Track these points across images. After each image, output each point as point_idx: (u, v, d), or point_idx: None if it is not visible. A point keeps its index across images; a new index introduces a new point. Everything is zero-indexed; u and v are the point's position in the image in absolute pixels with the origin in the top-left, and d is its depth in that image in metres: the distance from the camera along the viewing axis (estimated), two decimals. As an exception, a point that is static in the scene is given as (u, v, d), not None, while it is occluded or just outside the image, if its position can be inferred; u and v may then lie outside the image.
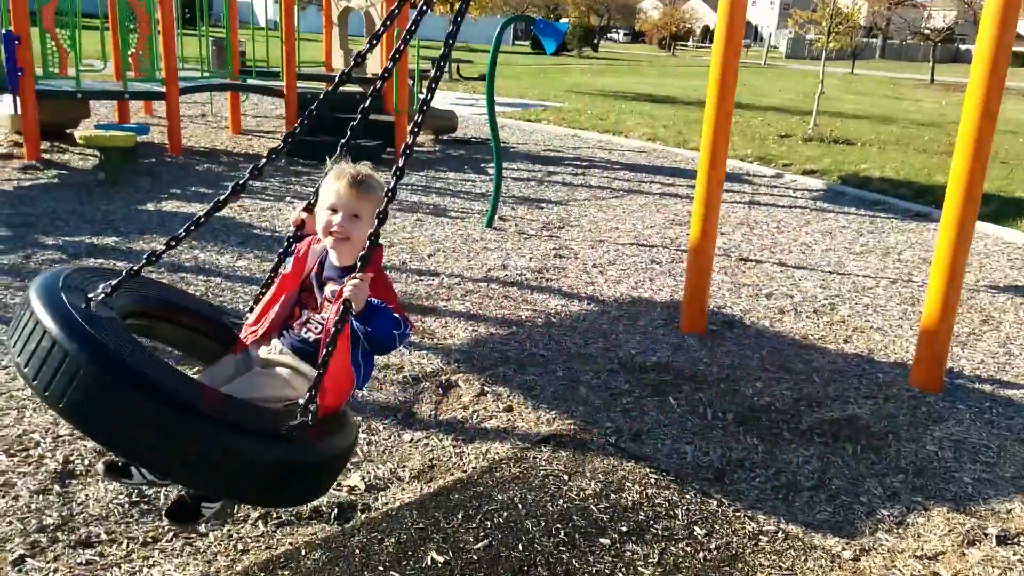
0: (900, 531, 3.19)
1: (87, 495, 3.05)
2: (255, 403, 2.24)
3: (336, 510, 3.08)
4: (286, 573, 2.72)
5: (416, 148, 11.73)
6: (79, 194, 7.46)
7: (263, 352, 2.45)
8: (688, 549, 2.98)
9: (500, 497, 3.22)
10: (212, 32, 12.74)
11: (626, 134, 14.00)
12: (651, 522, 3.12)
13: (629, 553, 2.93)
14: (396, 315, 2.25)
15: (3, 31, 8.18)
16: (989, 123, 4.13)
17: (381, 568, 2.76)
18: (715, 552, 2.98)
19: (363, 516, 3.07)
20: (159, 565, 2.73)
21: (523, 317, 5.23)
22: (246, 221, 7.02)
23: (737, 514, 3.22)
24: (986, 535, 3.16)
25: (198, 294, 5.20)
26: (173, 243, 2.38)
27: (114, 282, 2.19)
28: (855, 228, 8.30)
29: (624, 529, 3.06)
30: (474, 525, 3.03)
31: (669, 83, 28.53)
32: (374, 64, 11.94)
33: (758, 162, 11.89)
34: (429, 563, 2.80)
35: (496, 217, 7.53)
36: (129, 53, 10.59)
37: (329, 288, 2.40)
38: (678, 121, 16.06)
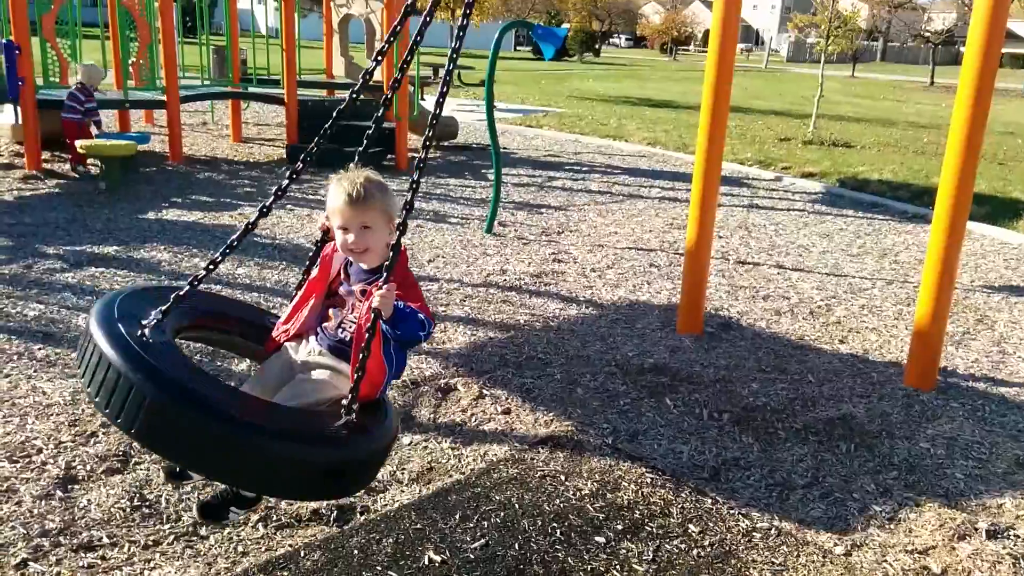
0: (892, 526, 3.22)
1: (89, 500, 3.10)
2: (303, 409, 2.41)
3: (336, 512, 3.12)
4: (285, 574, 2.76)
5: (417, 154, 11.61)
6: (80, 203, 7.52)
7: (303, 354, 2.58)
8: (682, 546, 3.02)
9: (497, 497, 3.26)
10: (213, 40, 12.82)
11: (626, 139, 14.06)
12: (646, 520, 3.16)
13: (624, 551, 2.97)
14: (421, 316, 2.36)
15: (4, 41, 8.25)
16: (979, 121, 4.17)
17: (379, 568, 2.81)
18: (709, 549, 3.01)
19: (362, 518, 3.11)
20: (160, 568, 2.77)
21: (521, 321, 5.28)
22: (247, 228, 7.07)
23: (731, 512, 3.26)
24: (976, 529, 3.20)
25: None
26: (211, 266, 2.51)
27: (164, 308, 2.36)
28: (853, 230, 8.33)
29: (619, 527, 3.10)
30: (471, 525, 3.07)
31: (670, 87, 28.59)
32: (378, 72, 12.00)
33: (758, 165, 11.94)
34: (426, 563, 2.85)
35: (496, 223, 7.58)
36: (130, 62, 10.67)
37: (358, 287, 2.50)
38: (679, 125, 16.12)
